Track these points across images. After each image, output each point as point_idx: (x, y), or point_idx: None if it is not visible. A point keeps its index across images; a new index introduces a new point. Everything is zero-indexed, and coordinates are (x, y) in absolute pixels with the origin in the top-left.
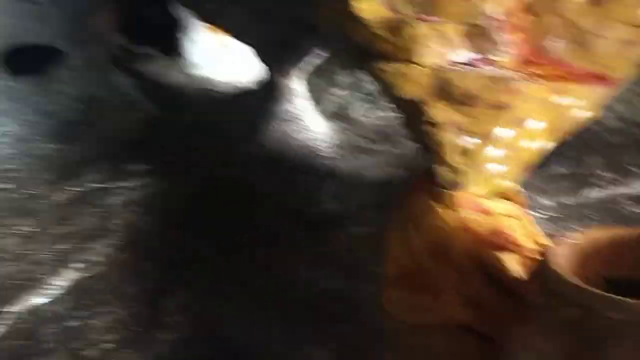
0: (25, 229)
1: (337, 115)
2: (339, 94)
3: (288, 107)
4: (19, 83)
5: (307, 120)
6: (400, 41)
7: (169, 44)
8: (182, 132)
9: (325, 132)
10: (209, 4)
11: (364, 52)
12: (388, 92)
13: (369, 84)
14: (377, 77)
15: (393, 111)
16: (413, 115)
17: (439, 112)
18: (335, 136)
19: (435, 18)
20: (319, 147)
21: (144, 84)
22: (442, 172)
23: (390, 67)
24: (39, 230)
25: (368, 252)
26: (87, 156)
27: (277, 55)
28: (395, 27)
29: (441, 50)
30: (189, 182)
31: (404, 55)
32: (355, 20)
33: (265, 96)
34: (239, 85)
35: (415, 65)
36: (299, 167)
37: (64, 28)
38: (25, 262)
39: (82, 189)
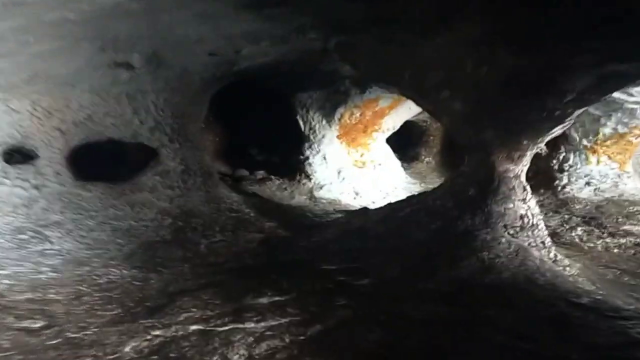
0: None
1: None
2: None
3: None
4: (90, 190)
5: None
6: None
7: (292, 160)
8: (309, 254)
9: None
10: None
11: None
12: None
13: None
14: None
15: None
16: None
17: None
18: None
19: None
20: None
21: (261, 203)
22: None
23: None
24: None
25: None
26: (183, 287)
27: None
28: None
29: None
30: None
31: None
32: None
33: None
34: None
35: None
36: None
37: (162, 118)
38: None
39: (173, 333)
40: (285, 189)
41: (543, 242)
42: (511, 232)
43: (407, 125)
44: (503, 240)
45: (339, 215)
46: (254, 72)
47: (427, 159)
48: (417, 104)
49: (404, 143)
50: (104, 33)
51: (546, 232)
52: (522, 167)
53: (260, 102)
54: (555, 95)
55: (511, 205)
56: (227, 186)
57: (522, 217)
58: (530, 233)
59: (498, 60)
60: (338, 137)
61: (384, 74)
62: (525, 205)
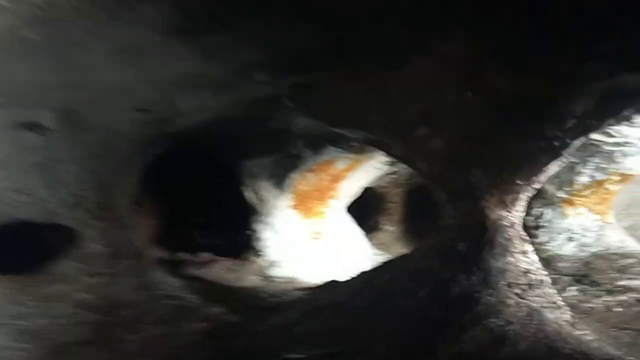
0: None
1: None
2: None
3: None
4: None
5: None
6: None
7: (240, 238)
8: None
9: None
10: None
11: None
12: None
13: None
14: None
15: None
16: None
17: None
18: None
19: None
20: None
21: (206, 287)
22: None
23: None
24: None
25: None
26: None
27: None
28: None
29: None
30: None
31: None
32: None
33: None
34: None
35: None
36: None
37: (84, 191)
38: None
39: None
40: (234, 270)
41: (555, 302)
42: (518, 291)
43: (364, 193)
44: (511, 302)
45: (301, 292)
46: (194, 135)
47: (388, 228)
48: (387, 151)
49: (361, 212)
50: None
51: (555, 290)
52: (518, 214)
53: (202, 173)
54: (555, 120)
55: (512, 259)
56: (164, 270)
57: (526, 272)
58: (539, 291)
59: (487, 84)
60: (292, 207)
61: (347, 118)
62: (528, 258)
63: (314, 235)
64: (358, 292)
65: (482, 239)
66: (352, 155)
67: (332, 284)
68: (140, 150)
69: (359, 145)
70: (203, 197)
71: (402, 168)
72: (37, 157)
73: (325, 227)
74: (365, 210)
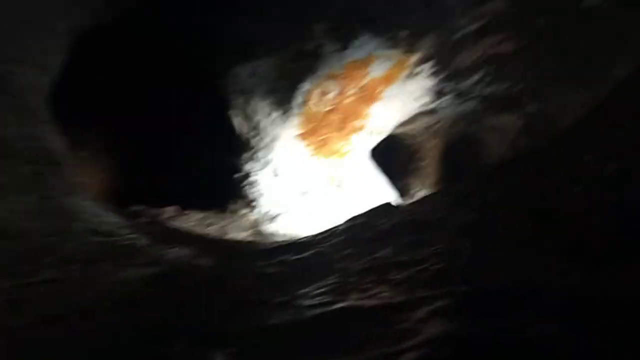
0: None
1: None
2: None
3: None
4: None
5: None
6: None
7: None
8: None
9: None
10: None
11: None
12: None
13: None
14: None
15: None
16: None
17: None
18: None
19: None
20: None
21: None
22: None
23: None
24: None
25: None
26: None
27: None
28: None
29: None
30: None
31: None
32: None
33: None
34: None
35: None
36: None
37: None
38: None
39: None
40: (211, 224)
41: None
42: None
43: (389, 144)
44: None
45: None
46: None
47: (419, 194)
48: None
49: (387, 167)
50: None
51: None
52: None
53: (170, 93)
54: None
55: None
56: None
57: None
58: None
59: None
60: (299, 137)
61: None
62: None
63: (328, 182)
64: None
65: None
66: (396, 55)
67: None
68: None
69: (410, 36)
70: (173, 127)
71: (447, 107)
72: None
73: (344, 171)
74: (392, 168)
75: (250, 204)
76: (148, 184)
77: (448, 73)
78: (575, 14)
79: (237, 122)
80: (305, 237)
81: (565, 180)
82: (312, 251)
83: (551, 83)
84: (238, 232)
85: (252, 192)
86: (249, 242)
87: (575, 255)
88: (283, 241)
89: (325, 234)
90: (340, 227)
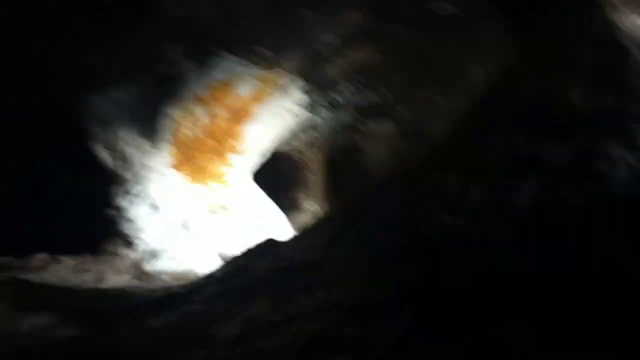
0: None
1: None
2: None
3: None
4: None
5: None
6: None
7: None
8: None
9: None
10: None
11: None
12: None
13: None
14: None
15: None
16: None
17: None
18: None
19: None
20: None
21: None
22: None
23: None
24: None
25: None
26: None
27: None
28: None
29: None
30: None
31: None
32: None
33: None
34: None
35: None
36: None
37: None
38: None
39: None
40: (87, 270)
41: None
42: None
43: (275, 161)
44: None
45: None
46: None
47: (309, 207)
48: None
49: (273, 187)
50: None
51: None
52: None
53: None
54: None
55: None
56: None
57: None
58: None
59: None
60: (175, 167)
61: None
62: None
63: (211, 209)
64: None
65: None
66: (260, 73)
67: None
68: None
69: (271, 53)
70: (33, 166)
71: (324, 119)
72: None
73: (228, 194)
74: (279, 184)
75: (128, 241)
76: (13, 229)
77: (318, 86)
78: (430, 21)
79: (102, 154)
80: (179, 288)
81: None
82: (184, 311)
83: (419, 89)
84: (118, 276)
85: (129, 229)
86: (121, 295)
87: None
88: (158, 291)
89: (201, 284)
90: (216, 274)
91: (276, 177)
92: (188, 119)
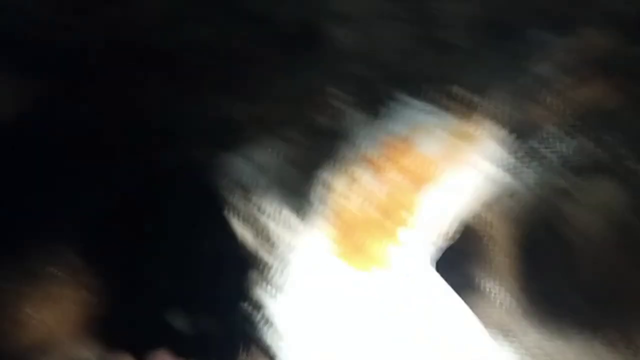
0: None
1: None
2: None
3: None
4: None
5: None
6: None
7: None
8: None
9: None
10: None
11: None
12: None
13: None
14: None
15: None
16: None
17: None
18: None
19: None
20: None
21: None
22: None
23: None
24: None
25: None
26: None
27: None
28: None
29: None
30: None
31: None
32: None
33: None
34: None
35: None
36: None
37: None
38: None
39: None
40: None
41: None
42: None
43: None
44: None
45: None
46: None
47: (493, 293)
48: None
49: (442, 261)
50: None
51: None
52: None
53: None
54: None
55: None
56: None
57: None
58: None
59: None
60: (331, 249)
61: None
62: None
63: (373, 307)
64: None
65: None
66: (451, 122)
67: None
68: None
69: (471, 93)
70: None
71: (526, 184)
72: None
73: (392, 285)
74: (452, 261)
75: (269, 354)
76: (139, 317)
77: (524, 137)
78: None
79: (239, 229)
80: None
81: None
82: None
83: None
84: None
85: (269, 335)
86: None
87: None
88: None
89: None
90: None
91: (449, 249)
92: (351, 188)
